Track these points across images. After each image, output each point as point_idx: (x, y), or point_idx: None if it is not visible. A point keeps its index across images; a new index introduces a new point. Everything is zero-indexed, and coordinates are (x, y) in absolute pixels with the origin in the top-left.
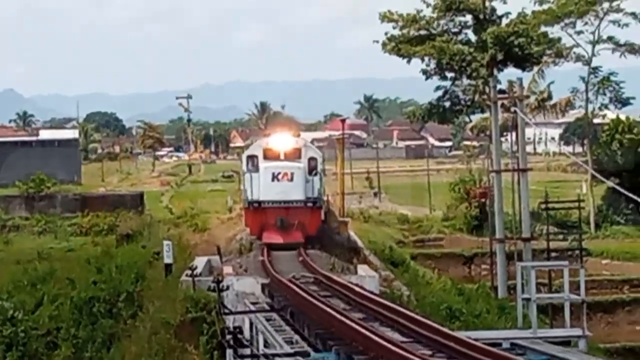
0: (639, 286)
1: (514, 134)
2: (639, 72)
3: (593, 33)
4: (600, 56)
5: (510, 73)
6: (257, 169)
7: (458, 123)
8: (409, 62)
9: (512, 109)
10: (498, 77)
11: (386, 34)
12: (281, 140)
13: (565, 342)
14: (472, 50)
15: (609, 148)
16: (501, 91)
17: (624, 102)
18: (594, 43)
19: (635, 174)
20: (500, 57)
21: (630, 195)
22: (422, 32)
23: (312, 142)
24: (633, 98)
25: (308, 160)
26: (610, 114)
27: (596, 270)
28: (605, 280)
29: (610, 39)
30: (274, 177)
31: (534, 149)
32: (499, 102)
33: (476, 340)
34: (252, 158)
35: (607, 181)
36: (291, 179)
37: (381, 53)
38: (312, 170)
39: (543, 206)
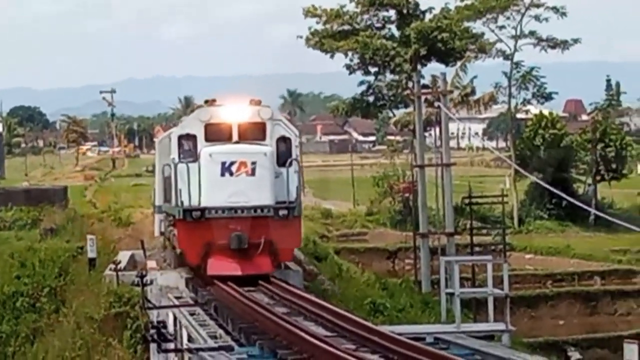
0: (561, 281)
1: (437, 128)
2: (561, 67)
3: (515, 28)
4: (523, 51)
5: (433, 68)
6: (195, 157)
7: (382, 118)
8: (332, 56)
9: (436, 103)
10: (421, 72)
11: (310, 28)
12: (234, 110)
13: (489, 337)
14: (395, 45)
15: (532, 143)
16: (425, 86)
17: (547, 97)
18: (516, 38)
19: (558, 168)
20: (423, 52)
21: (553, 190)
22: (346, 27)
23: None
24: (555, 93)
25: (277, 141)
26: (533, 109)
27: (519, 265)
28: (528, 274)
29: (532, 33)
30: (225, 170)
31: (458, 143)
32: (423, 97)
33: (400, 334)
34: (186, 140)
35: (530, 176)
36: (252, 173)
37: (306, 48)
38: (284, 157)
39: (467, 201)
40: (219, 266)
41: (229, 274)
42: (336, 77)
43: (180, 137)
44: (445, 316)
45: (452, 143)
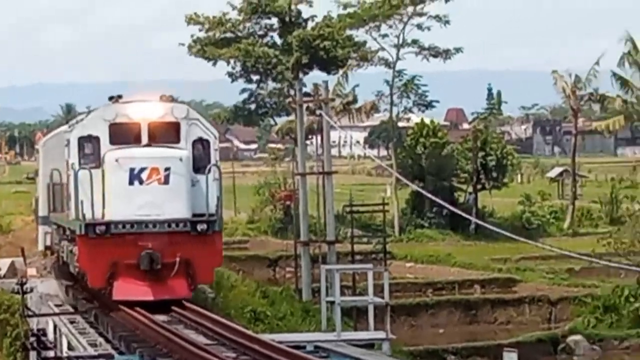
0: (442, 289)
1: (319, 137)
2: (443, 76)
3: (397, 36)
4: (405, 60)
5: (315, 76)
6: (98, 162)
7: (264, 126)
8: (214, 64)
9: (318, 112)
10: (303, 80)
11: (192, 36)
12: (144, 108)
13: (369, 345)
14: (277, 53)
15: (414, 151)
16: (306, 94)
17: (428, 106)
18: (398, 46)
19: (439, 177)
20: (305, 60)
21: (434, 198)
22: (228, 35)
23: None
24: (437, 101)
25: (193, 144)
26: (415, 118)
27: (400, 274)
28: (409, 283)
29: (414, 42)
30: (134, 177)
31: (339, 152)
32: (304, 105)
33: (280, 342)
34: (87, 142)
35: (412, 184)
36: (165, 181)
37: (189, 55)
38: (201, 162)
39: (348, 209)
40: (126, 290)
41: (139, 299)
42: (218, 84)
43: (80, 139)
44: (326, 324)
45: (334, 151)
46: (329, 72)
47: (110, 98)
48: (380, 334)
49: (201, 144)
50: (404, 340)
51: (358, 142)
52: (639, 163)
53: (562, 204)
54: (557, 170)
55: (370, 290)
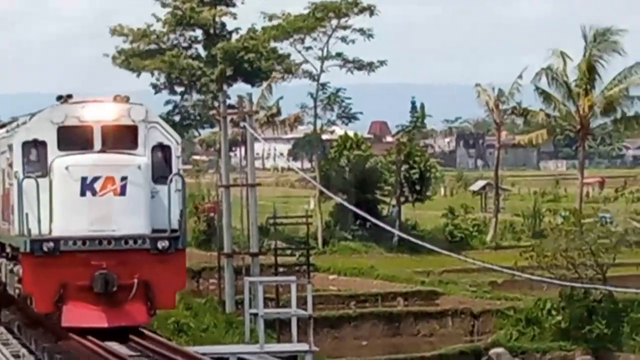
0: (365, 302)
1: (243, 148)
2: (366, 88)
3: (322, 49)
4: (329, 72)
5: (239, 88)
6: (45, 170)
7: (187, 137)
8: (138, 75)
9: (241, 124)
10: (227, 92)
11: (116, 47)
12: (97, 109)
13: (292, 357)
14: (201, 65)
15: (337, 164)
16: (230, 106)
17: (352, 118)
18: (322, 59)
19: (362, 190)
20: (229, 72)
21: (357, 211)
22: (152, 46)
23: None
24: (361, 114)
25: (153, 150)
26: (338, 130)
27: (323, 286)
28: (332, 295)
29: (338, 55)
30: (86, 188)
31: (263, 164)
32: (228, 117)
33: (204, 354)
34: (33, 147)
35: (335, 197)
36: (122, 192)
37: (113, 67)
38: (162, 171)
39: (271, 221)
40: (78, 316)
41: (92, 325)
42: (142, 96)
43: (25, 144)
44: (249, 336)
45: (258, 163)
46: (253, 84)
47: (59, 98)
48: (303, 346)
49: (161, 150)
50: (326, 353)
51: (282, 154)
52: (561, 177)
53: (485, 217)
54: (480, 183)
55: (294, 302)
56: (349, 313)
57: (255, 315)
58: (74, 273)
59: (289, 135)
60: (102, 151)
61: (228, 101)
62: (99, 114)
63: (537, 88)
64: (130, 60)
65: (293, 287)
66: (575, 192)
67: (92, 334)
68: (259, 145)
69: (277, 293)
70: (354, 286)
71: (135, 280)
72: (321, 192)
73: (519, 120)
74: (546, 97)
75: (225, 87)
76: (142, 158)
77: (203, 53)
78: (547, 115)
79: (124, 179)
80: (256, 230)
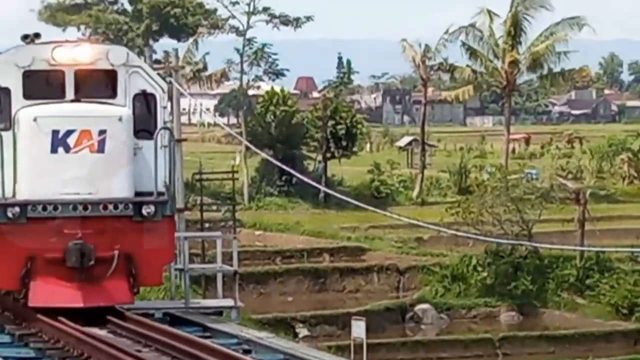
0: (291, 257)
1: (169, 104)
2: (293, 44)
3: (248, 4)
4: (256, 28)
5: (166, 43)
6: (9, 122)
7: None
8: (64, 30)
9: (168, 79)
10: (154, 47)
11: (42, 2)
12: (69, 51)
13: (218, 313)
14: (128, 20)
15: (264, 120)
16: (157, 61)
17: (278, 74)
18: (249, 14)
19: (288, 145)
20: (155, 27)
21: (283, 166)
22: (79, 1)
23: None
24: (287, 70)
25: (135, 98)
26: (265, 86)
27: (249, 242)
28: (257, 251)
29: (265, 10)
30: (58, 143)
31: (189, 119)
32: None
33: (128, 310)
34: None
35: (261, 153)
36: (100, 148)
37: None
38: (145, 124)
39: (197, 177)
40: (48, 294)
41: (65, 305)
42: None
43: None
44: (175, 292)
45: (184, 119)
46: (179, 40)
47: (25, 37)
48: (229, 302)
49: (145, 99)
50: (252, 308)
51: (208, 109)
52: (487, 133)
53: (411, 173)
54: (407, 139)
55: (219, 258)
56: (274, 269)
57: (181, 270)
58: (43, 244)
59: (216, 91)
60: (76, 100)
61: (154, 56)
62: (72, 56)
63: (463, 44)
64: (56, 15)
65: (219, 243)
66: (502, 148)
67: (65, 315)
68: (185, 100)
69: (203, 249)
70: (280, 242)
71: (116, 253)
72: (247, 148)
73: (446, 77)
74: (472, 53)
75: (151, 42)
76: (123, 108)
77: (129, 8)
78: (474, 72)
79: (102, 132)
80: (182, 186)
